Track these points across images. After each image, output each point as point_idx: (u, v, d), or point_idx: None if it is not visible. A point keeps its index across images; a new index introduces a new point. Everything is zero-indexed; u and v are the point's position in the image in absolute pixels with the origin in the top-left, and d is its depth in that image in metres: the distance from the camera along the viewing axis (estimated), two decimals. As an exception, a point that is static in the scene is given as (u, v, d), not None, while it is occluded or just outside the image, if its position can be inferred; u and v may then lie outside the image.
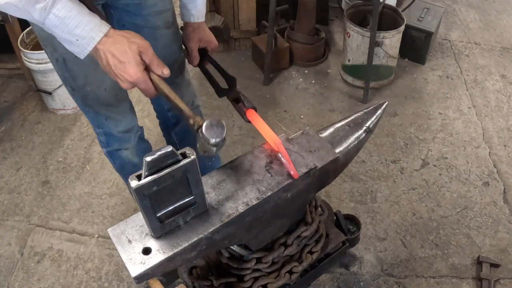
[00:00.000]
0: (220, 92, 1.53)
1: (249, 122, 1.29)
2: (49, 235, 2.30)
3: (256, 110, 1.30)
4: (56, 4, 1.07)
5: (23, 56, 2.76)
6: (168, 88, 1.17)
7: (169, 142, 2.09)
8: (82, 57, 1.16)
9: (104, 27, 1.13)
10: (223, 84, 1.51)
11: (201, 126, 1.07)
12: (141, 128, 1.86)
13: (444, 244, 2.23)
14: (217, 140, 1.06)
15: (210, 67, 1.63)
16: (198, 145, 1.11)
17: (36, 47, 2.83)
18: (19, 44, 2.73)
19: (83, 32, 1.10)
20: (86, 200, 2.45)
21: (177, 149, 2.09)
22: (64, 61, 1.44)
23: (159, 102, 1.92)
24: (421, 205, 2.40)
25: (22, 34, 2.78)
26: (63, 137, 2.82)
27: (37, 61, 2.70)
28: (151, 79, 1.17)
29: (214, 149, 1.08)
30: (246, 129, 2.79)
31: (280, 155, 1.18)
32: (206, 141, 1.06)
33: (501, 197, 2.45)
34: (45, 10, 1.06)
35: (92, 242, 2.26)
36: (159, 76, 1.17)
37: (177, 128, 1.99)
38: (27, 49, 2.76)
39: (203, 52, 1.64)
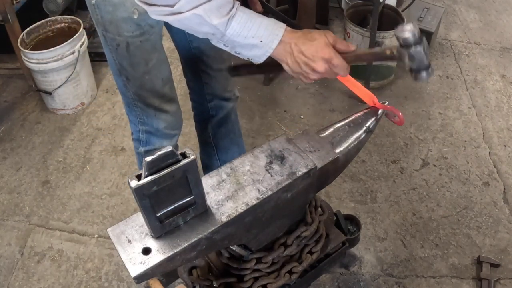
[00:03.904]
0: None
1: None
2: (49, 235, 2.30)
3: None
4: (237, 12, 1.10)
5: (23, 56, 2.76)
6: (356, 52, 1.20)
7: (201, 135, 2.07)
8: (263, 59, 1.18)
9: (281, 23, 1.16)
10: None
11: (396, 47, 1.11)
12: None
13: (444, 244, 2.23)
14: (414, 31, 1.07)
15: None
16: (406, 59, 1.12)
17: (36, 47, 2.83)
18: (19, 44, 2.73)
19: (266, 31, 1.13)
20: (86, 200, 2.45)
21: (210, 142, 2.08)
22: (127, 45, 1.43)
23: (201, 92, 1.90)
24: (421, 205, 2.40)
25: (22, 34, 2.78)
26: (63, 137, 2.83)
27: (37, 61, 2.70)
28: None
29: (420, 47, 1.08)
30: (246, 129, 2.80)
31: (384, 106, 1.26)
32: (406, 43, 1.08)
33: (501, 197, 2.45)
34: (228, 19, 1.10)
35: (92, 242, 2.26)
36: (345, 52, 1.19)
37: (214, 121, 1.98)
38: (27, 49, 2.76)
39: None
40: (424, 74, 1.12)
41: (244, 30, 1.11)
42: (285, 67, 1.20)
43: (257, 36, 1.13)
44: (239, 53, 1.18)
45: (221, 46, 1.17)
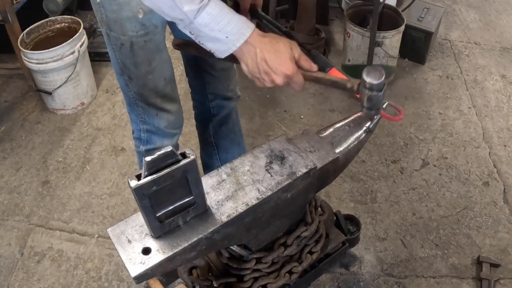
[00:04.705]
0: None
1: None
2: (49, 235, 2.30)
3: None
4: (210, 2, 1.09)
5: (23, 56, 2.76)
6: (315, 73, 1.23)
7: (202, 134, 2.07)
8: (224, 55, 1.18)
9: (251, 23, 1.16)
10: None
11: (359, 84, 1.17)
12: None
13: (444, 244, 2.23)
14: (380, 80, 1.14)
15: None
16: (364, 102, 1.20)
17: (36, 47, 2.83)
18: (19, 44, 2.73)
19: (234, 28, 1.12)
20: (86, 200, 2.45)
21: (210, 141, 2.10)
22: (131, 45, 1.44)
23: (203, 91, 1.90)
24: (421, 205, 2.40)
25: (22, 34, 2.78)
26: (63, 137, 2.83)
27: (37, 61, 2.70)
28: None
29: (380, 94, 1.17)
30: (246, 129, 2.79)
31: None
32: (371, 88, 1.15)
33: (501, 197, 2.45)
34: (199, 9, 1.08)
35: (92, 242, 2.26)
36: (307, 70, 1.22)
37: (215, 120, 1.98)
38: (27, 49, 2.76)
39: (252, 11, 1.59)
40: (372, 113, 1.24)
41: (213, 22, 1.10)
42: (243, 66, 1.21)
43: (224, 31, 1.12)
44: (202, 44, 1.17)
45: (187, 33, 1.16)
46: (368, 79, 1.15)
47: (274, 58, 1.16)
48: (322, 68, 1.36)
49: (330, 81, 1.25)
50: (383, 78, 1.15)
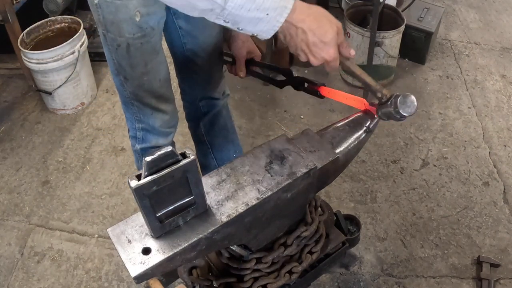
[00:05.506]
0: (280, 83, 1.63)
1: (323, 97, 1.41)
2: (49, 235, 2.30)
3: (325, 86, 1.40)
4: None
5: (23, 56, 2.76)
6: (353, 65, 1.23)
7: (195, 133, 2.08)
8: (270, 35, 1.07)
9: None
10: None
11: (389, 98, 1.19)
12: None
13: (444, 244, 2.23)
14: (410, 114, 1.17)
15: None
16: (382, 111, 1.23)
17: (36, 47, 2.83)
18: (19, 44, 2.73)
19: (273, 3, 1.01)
20: (86, 200, 2.45)
21: (204, 140, 2.13)
22: (127, 46, 1.43)
23: (192, 92, 1.91)
24: (421, 205, 2.40)
25: (22, 34, 2.78)
26: (63, 137, 2.83)
27: (37, 61, 2.70)
28: None
29: (402, 119, 1.19)
30: (246, 129, 2.80)
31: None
32: (397, 114, 1.17)
33: (501, 197, 2.45)
34: None
35: (92, 242, 2.26)
36: (346, 57, 1.20)
37: (206, 118, 1.99)
38: (27, 49, 2.76)
39: (249, 61, 1.70)
40: (382, 119, 1.27)
41: (248, 2, 0.99)
42: (281, 37, 1.13)
43: (262, 9, 1.01)
44: (242, 29, 1.06)
45: (221, 23, 1.05)
46: (401, 107, 1.17)
47: (317, 42, 1.09)
48: (313, 84, 1.41)
49: (362, 80, 1.24)
50: (413, 113, 1.17)
